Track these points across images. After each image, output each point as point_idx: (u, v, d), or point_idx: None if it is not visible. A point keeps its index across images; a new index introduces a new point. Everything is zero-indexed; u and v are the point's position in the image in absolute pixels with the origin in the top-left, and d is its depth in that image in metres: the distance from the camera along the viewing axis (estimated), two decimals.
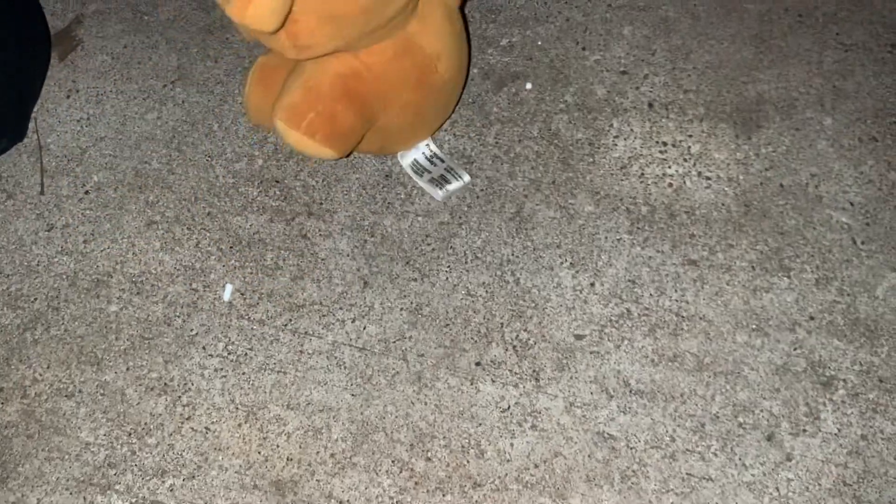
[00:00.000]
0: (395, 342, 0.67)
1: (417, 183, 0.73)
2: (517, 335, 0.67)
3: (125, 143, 0.78)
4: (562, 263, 0.70)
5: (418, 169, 0.74)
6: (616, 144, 0.76)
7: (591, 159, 0.76)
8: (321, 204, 0.74)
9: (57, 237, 0.73)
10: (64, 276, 0.71)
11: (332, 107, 0.64)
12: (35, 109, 0.80)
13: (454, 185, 0.73)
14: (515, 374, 0.65)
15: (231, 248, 0.72)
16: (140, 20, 0.86)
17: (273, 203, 0.74)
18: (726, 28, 0.83)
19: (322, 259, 0.71)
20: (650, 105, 0.78)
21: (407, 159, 0.74)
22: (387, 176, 0.75)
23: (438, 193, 0.73)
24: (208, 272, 0.71)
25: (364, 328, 0.68)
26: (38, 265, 0.72)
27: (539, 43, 0.82)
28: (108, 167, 0.77)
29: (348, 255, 0.71)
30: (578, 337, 0.67)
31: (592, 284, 0.69)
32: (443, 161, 0.74)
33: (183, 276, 0.71)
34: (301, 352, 0.67)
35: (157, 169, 0.76)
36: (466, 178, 0.74)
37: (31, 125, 0.79)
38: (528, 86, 0.80)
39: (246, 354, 0.67)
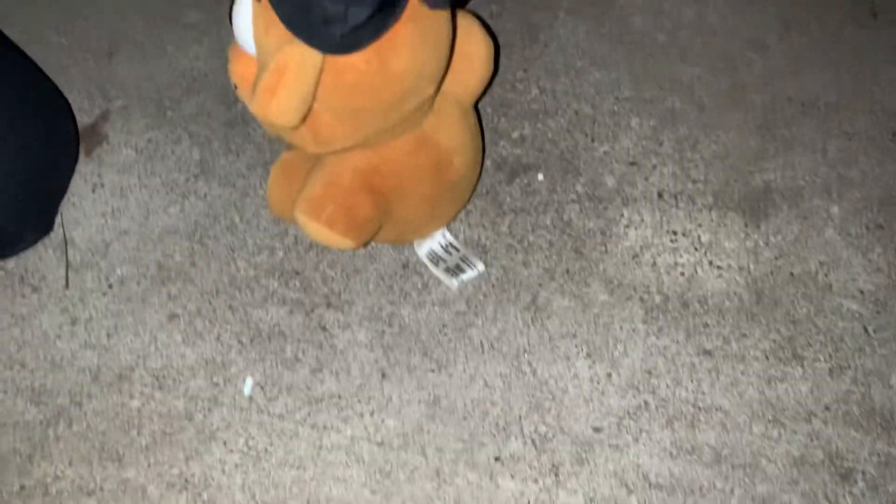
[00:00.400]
0: (413, 436, 0.68)
1: (433, 272, 0.75)
2: (535, 428, 0.67)
3: (148, 236, 0.80)
4: (578, 353, 0.71)
5: (434, 258, 0.75)
6: (627, 233, 0.78)
7: (604, 248, 0.77)
8: (340, 295, 0.75)
9: (80, 331, 0.74)
10: (87, 371, 0.72)
11: (350, 199, 0.66)
12: (61, 203, 0.82)
13: (469, 275, 0.75)
14: (534, 468, 0.65)
15: (252, 340, 0.73)
16: (164, 115, 0.89)
17: (293, 295, 0.75)
18: (732, 118, 0.86)
19: (341, 351, 0.72)
20: (660, 195, 0.80)
21: (423, 248, 0.76)
22: (404, 266, 0.77)
23: (453, 283, 0.74)
24: (229, 366, 0.72)
25: (383, 421, 0.68)
26: (61, 360, 0.73)
27: (549, 135, 0.85)
28: (132, 261, 0.78)
29: (367, 347, 0.72)
30: (597, 429, 0.67)
31: (609, 375, 0.70)
32: (458, 250, 0.76)
33: (204, 369, 0.72)
34: (320, 447, 0.67)
35: (180, 262, 0.78)
36: (481, 266, 0.75)
37: (57, 219, 0.81)
38: (540, 177, 0.82)
39: (266, 450, 0.67)
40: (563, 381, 0.70)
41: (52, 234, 0.81)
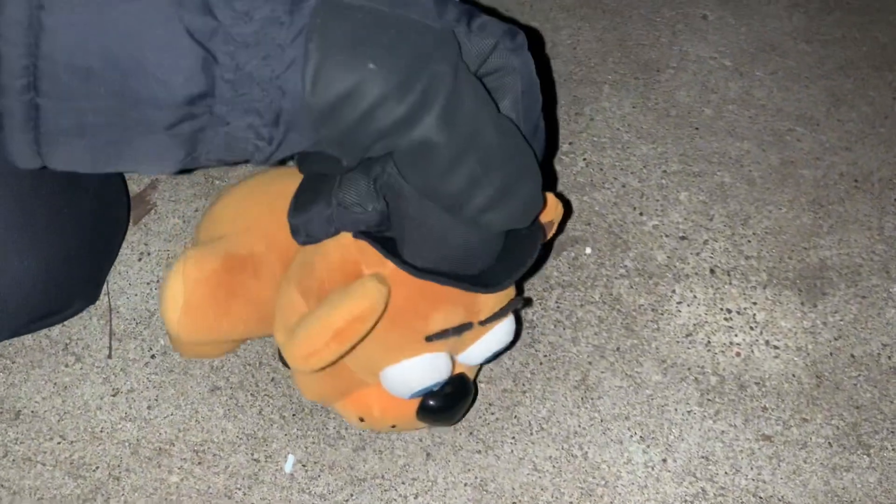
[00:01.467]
0: None
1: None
2: None
3: None
4: (631, 437, 0.69)
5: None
6: (680, 311, 0.76)
7: (656, 326, 0.75)
8: None
9: (122, 402, 0.73)
10: (126, 444, 0.71)
11: None
12: (109, 272, 0.82)
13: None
14: None
15: (294, 415, 0.71)
16: (211, 184, 0.89)
17: None
18: (783, 194, 0.84)
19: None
20: (712, 271, 0.79)
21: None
22: None
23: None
24: (270, 441, 0.70)
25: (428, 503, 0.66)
26: (101, 431, 0.72)
27: (596, 208, 0.84)
28: None
29: None
30: None
31: (664, 461, 0.67)
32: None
33: (245, 445, 0.70)
34: None
35: None
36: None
37: (104, 287, 0.81)
38: (588, 250, 0.81)
39: None
40: (615, 467, 0.67)
41: (98, 303, 0.80)
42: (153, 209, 0.88)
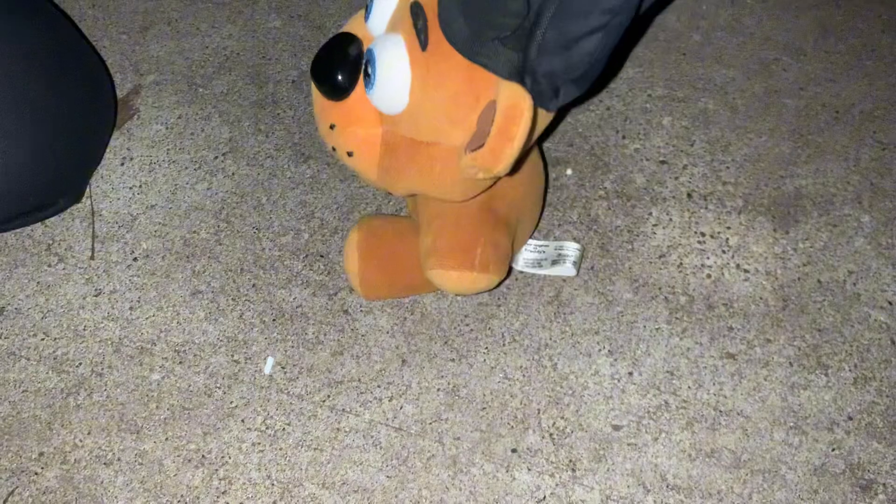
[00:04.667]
0: (431, 423, 0.67)
1: (544, 274, 0.74)
2: (554, 422, 0.67)
3: (175, 211, 0.80)
4: (600, 351, 0.71)
5: (534, 263, 0.74)
6: (655, 233, 0.77)
7: (630, 246, 0.77)
8: None
9: (104, 302, 0.75)
10: (109, 343, 0.72)
11: (492, 236, 0.65)
12: (93, 173, 0.83)
13: (576, 255, 0.74)
14: (552, 463, 0.65)
15: (274, 320, 0.73)
16: (195, 92, 0.89)
17: (317, 277, 0.75)
18: (764, 122, 0.85)
19: (362, 335, 0.72)
20: (689, 195, 0.80)
21: (518, 262, 0.75)
22: None
23: (572, 271, 0.73)
24: (250, 344, 0.72)
25: (401, 408, 0.68)
26: (84, 329, 0.73)
27: (580, 130, 0.84)
28: (157, 235, 0.79)
29: (388, 333, 0.72)
30: (616, 427, 0.67)
31: (630, 374, 0.70)
32: (548, 244, 0.75)
33: (225, 347, 0.72)
34: (338, 429, 0.67)
35: (205, 239, 0.78)
36: (576, 245, 0.74)
37: (87, 190, 0.81)
38: (569, 171, 0.82)
39: (284, 430, 0.67)
40: (583, 378, 0.70)
41: (80, 205, 0.81)
42: (136, 114, 0.88)
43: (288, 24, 0.95)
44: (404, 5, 0.56)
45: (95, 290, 0.75)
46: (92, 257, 0.77)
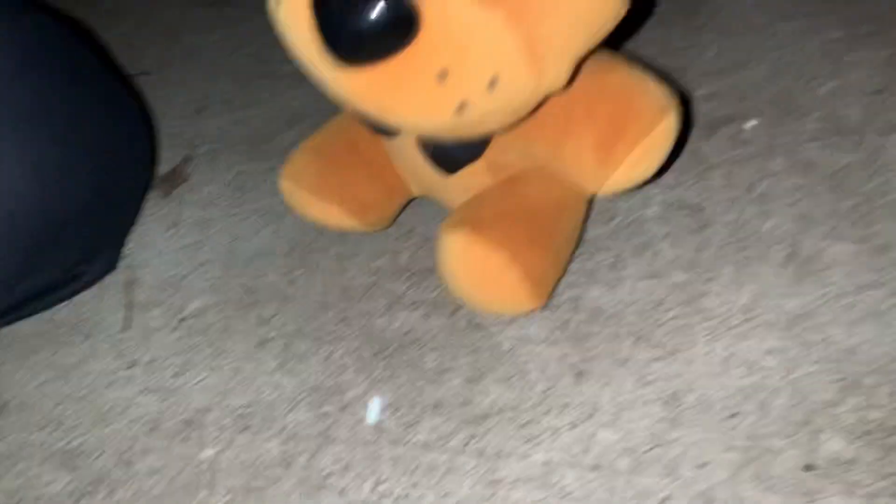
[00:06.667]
0: (649, 451, 0.40)
1: None
2: (861, 416, 0.39)
3: (234, 262, 0.60)
4: (893, 307, 0.44)
5: None
6: None
7: (881, 179, 0.52)
8: None
9: (139, 375, 0.53)
10: (142, 422, 0.49)
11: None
12: (129, 245, 0.65)
13: None
14: (881, 475, 0.36)
15: (375, 355, 0.49)
16: (257, 149, 0.73)
17: (428, 296, 0.52)
18: None
19: (507, 351, 0.47)
20: None
21: None
22: (584, 240, 0.53)
23: None
24: (345, 390, 0.48)
25: (593, 436, 0.41)
26: (109, 411, 0.51)
27: (748, 85, 0.63)
28: (212, 289, 0.58)
29: (546, 342, 0.47)
30: None
31: None
32: None
33: (308, 399, 0.48)
34: (494, 482, 0.40)
35: (274, 282, 0.57)
36: None
37: (122, 260, 0.63)
38: (752, 122, 0.59)
39: (408, 495, 0.41)
40: (883, 346, 0.42)
41: (114, 278, 0.62)
42: (186, 181, 0.71)
43: None
44: None
45: (128, 362, 0.54)
46: (127, 328, 0.57)
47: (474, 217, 0.45)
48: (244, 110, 0.79)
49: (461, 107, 0.37)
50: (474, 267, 0.44)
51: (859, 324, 0.44)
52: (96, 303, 0.60)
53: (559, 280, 0.49)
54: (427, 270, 0.55)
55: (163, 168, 0.74)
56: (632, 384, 0.44)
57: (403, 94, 0.37)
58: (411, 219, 0.60)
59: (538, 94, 0.40)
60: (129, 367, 0.53)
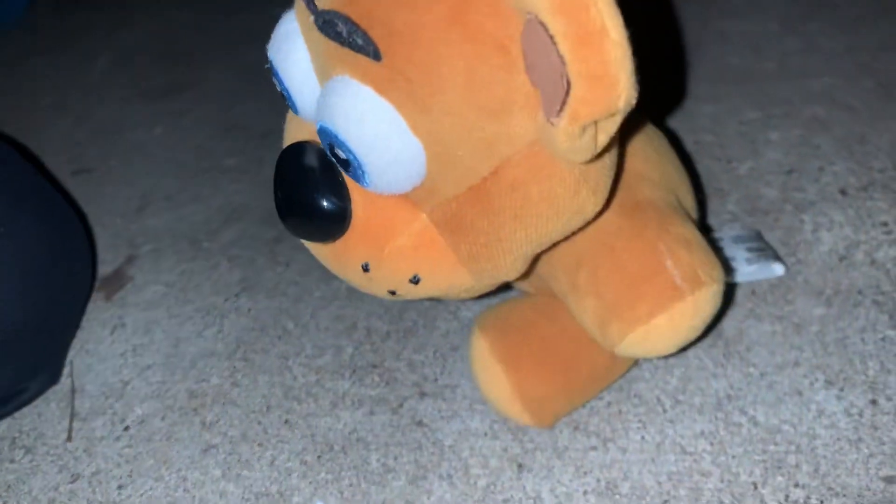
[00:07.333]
0: None
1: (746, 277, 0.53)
2: (787, 494, 0.41)
3: (177, 365, 0.60)
4: (813, 384, 0.46)
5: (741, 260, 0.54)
6: (820, 238, 0.56)
7: (795, 258, 0.55)
8: (436, 380, 0.53)
9: (83, 489, 0.52)
10: None
11: (669, 233, 0.42)
12: (72, 352, 0.64)
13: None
14: None
15: (319, 457, 0.50)
16: (198, 247, 0.73)
17: (371, 392, 0.53)
18: (893, 109, 0.67)
19: (449, 447, 0.48)
20: (843, 192, 0.59)
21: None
22: None
23: (780, 267, 0.54)
24: (289, 495, 0.48)
25: None
26: None
27: None
28: (155, 395, 0.58)
29: (486, 435, 0.48)
30: (889, 479, 0.40)
31: (874, 402, 0.44)
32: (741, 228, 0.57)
33: None
34: None
35: (217, 384, 0.57)
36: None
37: (66, 369, 0.63)
38: None
39: None
40: (804, 424, 0.44)
41: (57, 388, 0.62)
42: (129, 283, 0.72)
43: None
44: (317, 42, 0.35)
45: (71, 476, 0.53)
46: (69, 439, 0.56)
47: (500, 320, 0.47)
48: (186, 206, 0.80)
49: (393, 292, 0.40)
50: (481, 367, 0.46)
51: (781, 403, 0.46)
52: (37, 414, 0.59)
53: (574, 407, 0.48)
54: (370, 366, 0.56)
55: (105, 269, 0.74)
56: (570, 475, 0.45)
57: (346, 272, 0.40)
58: (353, 313, 0.61)
59: (486, 286, 0.41)
60: (72, 482, 0.53)
